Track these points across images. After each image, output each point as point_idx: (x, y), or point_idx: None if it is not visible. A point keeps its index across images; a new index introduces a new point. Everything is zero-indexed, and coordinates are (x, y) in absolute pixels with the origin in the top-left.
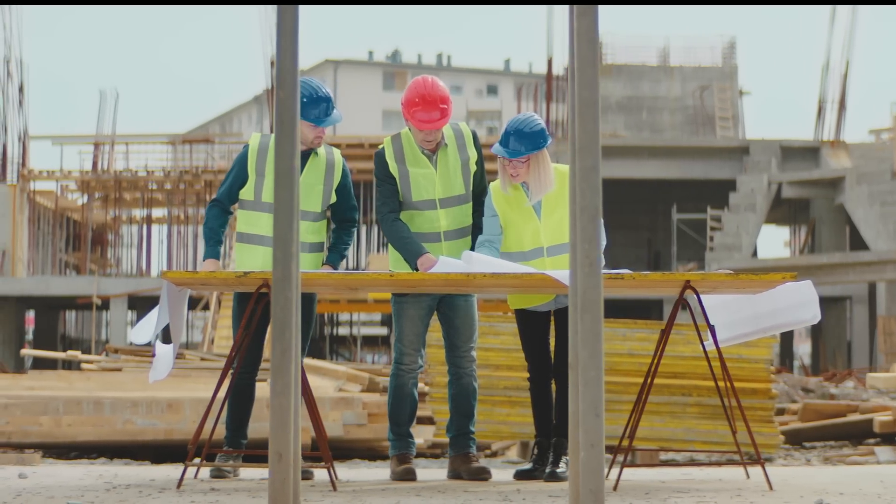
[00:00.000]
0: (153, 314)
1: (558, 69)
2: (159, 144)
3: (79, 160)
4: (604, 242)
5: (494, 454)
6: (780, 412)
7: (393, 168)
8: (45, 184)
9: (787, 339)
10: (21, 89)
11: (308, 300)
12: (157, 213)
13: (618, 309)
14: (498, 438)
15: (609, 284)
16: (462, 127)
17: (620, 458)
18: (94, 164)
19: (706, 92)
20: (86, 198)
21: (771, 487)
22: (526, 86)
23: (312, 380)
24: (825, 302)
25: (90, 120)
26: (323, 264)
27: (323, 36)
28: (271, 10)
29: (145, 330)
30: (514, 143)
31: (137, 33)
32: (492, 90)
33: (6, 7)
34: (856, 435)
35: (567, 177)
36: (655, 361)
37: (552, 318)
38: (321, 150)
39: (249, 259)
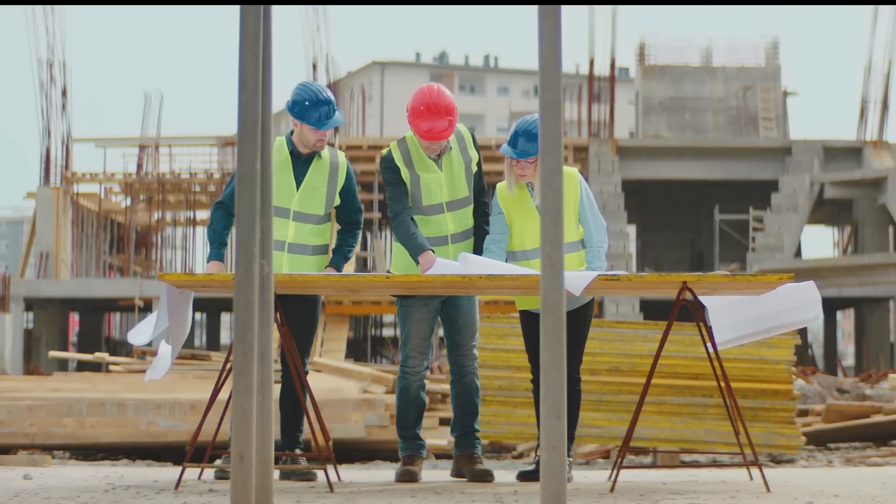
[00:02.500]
0: (154, 316)
1: (601, 69)
2: (203, 147)
3: (122, 163)
4: (605, 246)
5: (520, 455)
6: (805, 413)
7: (404, 173)
8: (88, 186)
9: (830, 339)
10: (64, 93)
11: (312, 302)
12: (202, 214)
13: (660, 308)
14: (521, 440)
15: (606, 286)
16: (461, 129)
17: (647, 459)
18: (139, 166)
19: (749, 92)
20: (129, 200)
21: (768, 489)
22: (569, 86)
23: (336, 381)
24: (868, 302)
25: (133, 122)
26: (327, 266)
27: (370, 38)
28: (311, 10)
29: (144, 331)
30: (523, 143)
31: (182, 35)
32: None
33: (49, 9)
34: (881, 436)
35: (572, 178)
36: (654, 362)
37: None
38: (325, 153)
39: None
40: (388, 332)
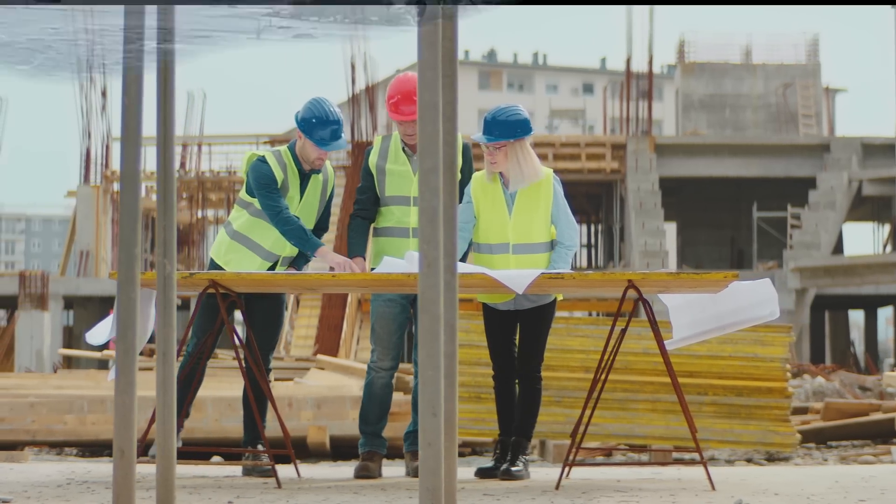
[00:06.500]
0: (112, 316)
1: (640, 66)
2: (244, 145)
3: None
4: (575, 247)
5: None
6: (805, 411)
7: (372, 163)
8: None
9: (871, 337)
10: (104, 93)
11: (276, 301)
12: None
13: None
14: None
15: (550, 284)
16: (458, 137)
17: (646, 456)
18: (182, 165)
19: (789, 89)
20: None
21: (713, 487)
22: (611, 84)
23: (338, 378)
24: None
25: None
26: (288, 267)
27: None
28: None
29: (102, 331)
30: (487, 128)
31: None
32: (587, 89)
33: (90, 12)
34: (879, 434)
35: (546, 178)
36: (610, 358)
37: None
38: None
39: (250, 262)
40: None
